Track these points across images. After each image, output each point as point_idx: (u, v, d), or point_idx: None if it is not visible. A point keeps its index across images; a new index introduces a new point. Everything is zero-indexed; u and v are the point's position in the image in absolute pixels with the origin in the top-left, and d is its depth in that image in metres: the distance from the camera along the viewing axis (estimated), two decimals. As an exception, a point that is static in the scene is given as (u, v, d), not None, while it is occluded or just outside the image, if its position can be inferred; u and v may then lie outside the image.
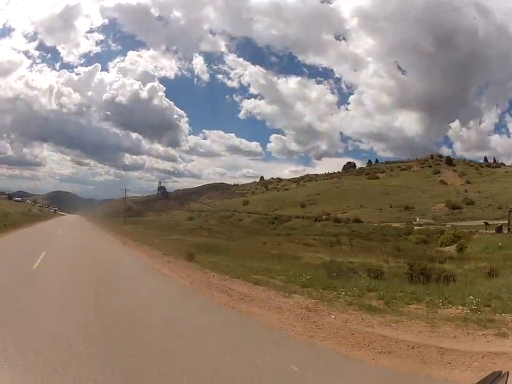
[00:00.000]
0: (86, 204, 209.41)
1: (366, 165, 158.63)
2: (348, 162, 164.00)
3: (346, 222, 79.60)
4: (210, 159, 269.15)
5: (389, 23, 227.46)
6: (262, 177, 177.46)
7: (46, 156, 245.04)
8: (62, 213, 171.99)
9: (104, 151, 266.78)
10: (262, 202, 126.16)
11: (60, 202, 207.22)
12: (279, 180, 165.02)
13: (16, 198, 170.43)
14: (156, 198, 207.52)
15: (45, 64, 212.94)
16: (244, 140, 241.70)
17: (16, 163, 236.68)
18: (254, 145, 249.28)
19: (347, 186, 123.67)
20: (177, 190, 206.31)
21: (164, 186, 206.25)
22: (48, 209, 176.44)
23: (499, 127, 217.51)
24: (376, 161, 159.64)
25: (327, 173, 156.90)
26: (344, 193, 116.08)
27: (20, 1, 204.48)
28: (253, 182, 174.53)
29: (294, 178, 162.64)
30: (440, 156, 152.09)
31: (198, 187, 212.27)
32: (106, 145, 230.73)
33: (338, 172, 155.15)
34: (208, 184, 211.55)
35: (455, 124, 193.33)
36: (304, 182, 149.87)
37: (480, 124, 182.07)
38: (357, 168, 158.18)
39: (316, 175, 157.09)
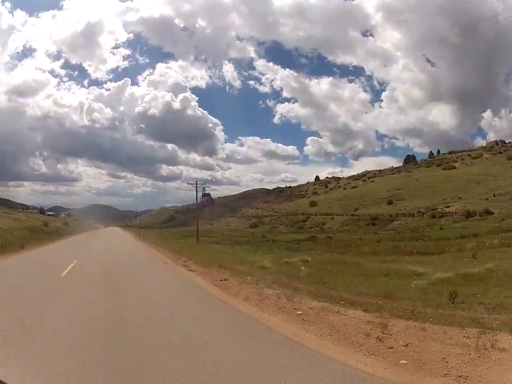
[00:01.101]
0: (124, 216, 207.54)
1: (428, 157, 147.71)
2: (407, 155, 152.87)
3: (481, 215, 67.53)
4: (248, 165, 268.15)
5: (414, 14, 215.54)
6: (317, 177, 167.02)
7: (81, 170, 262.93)
8: (97, 226, 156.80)
9: (140, 163, 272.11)
10: (334, 202, 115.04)
11: (96, 215, 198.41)
12: (337, 178, 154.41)
13: (49, 212, 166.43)
14: (200, 205, 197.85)
15: (72, 82, 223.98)
16: (280, 145, 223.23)
17: (50, 179, 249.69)
18: (291, 149, 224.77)
19: (426, 178, 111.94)
20: (218, 197, 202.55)
21: (209, 193, 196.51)
22: (75, 221, 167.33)
23: None
24: (438, 152, 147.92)
25: (390, 167, 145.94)
26: (429, 185, 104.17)
27: (37, 21, 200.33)
28: (307, 183, 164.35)
29: (353, 176, 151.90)
30: (503, 142, 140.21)
31: (240, 193, 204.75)
32: (142, 158, 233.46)
33: (399, 166, 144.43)
34: (249, 190, 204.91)
35: (487, 114, 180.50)
36: (367, 178, 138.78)
37: (510, 112, 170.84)
38: (418, 161, 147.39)
39: (379, 171, 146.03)
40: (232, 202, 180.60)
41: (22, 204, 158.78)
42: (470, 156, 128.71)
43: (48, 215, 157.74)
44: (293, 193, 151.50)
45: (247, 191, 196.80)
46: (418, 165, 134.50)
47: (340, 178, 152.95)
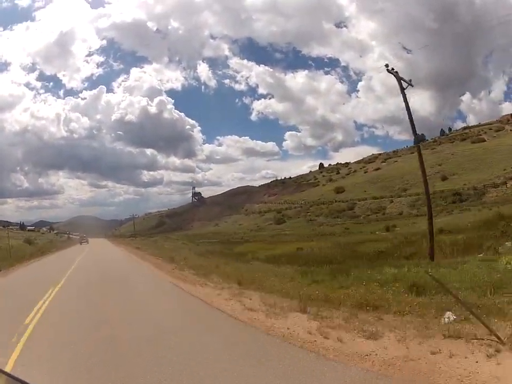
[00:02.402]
0: (110, 226, 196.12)
1: (439, 135, 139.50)
2: (417, 134, 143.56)
3: None
4: (228, 165, 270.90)
5: (388, 3, 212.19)
6: (321, 164, 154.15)
7: (63, 183, 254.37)
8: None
9: (120, 171, 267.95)
10: (367, 186, 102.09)
11: (82, 227, 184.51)
12: (346, 164, 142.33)
13: (29, 228, 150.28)
14: (191, 206, 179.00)
15: (48, 93, 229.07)
16: (259, 142, 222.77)
17: (34, 194, 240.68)
18: (270, 146, 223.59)
19: (462, 152, 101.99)
20: (210, 196, 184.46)
21: (199, 192, 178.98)
22: (59, 235, 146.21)
23: (508, 94, 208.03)
24: (449, 130, 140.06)
25: (406, 147, 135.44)
26: (473, 159, 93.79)
27: (12, 34, 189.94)
28: (310, 172, 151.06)
29: (362, 159, 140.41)
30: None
31: (231, 190, 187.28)
32: (122, 165, 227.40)
33: (413, 146, 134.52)
34: (234, 189, 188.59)
35: (466, 97, 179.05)
36: (384, 160, 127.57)
37: (489, 93, 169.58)
38: (427, 140, 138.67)
39: (393, 151, 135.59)
40: (227, 200, 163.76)
41: (5, 221, 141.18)
42: (491, 129, 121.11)
43: (29, 230, 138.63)
44: (301, 183, 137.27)
45: (241, 187, 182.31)
46: (438, 142, 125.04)
47: (348, 163, 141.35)
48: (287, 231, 75.67)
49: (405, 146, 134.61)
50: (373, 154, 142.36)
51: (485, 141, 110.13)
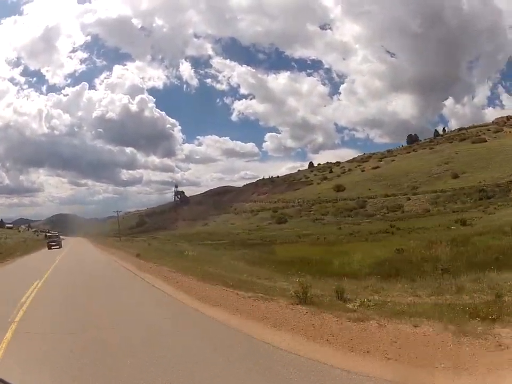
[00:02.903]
0: (89, 224, 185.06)
1: (433, 136, 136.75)
2: (409, 135, 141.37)
3: None
4: (207, 165, 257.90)
5: (374, 5, 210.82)
6: (311, 163, 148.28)
7: (43, 180, 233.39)
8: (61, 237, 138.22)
9: (100, 169, 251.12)
10: (369, 184, 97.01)
11: (61, 225, 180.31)
12: (337, 163, 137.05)
13: (8, 225, 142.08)
14: (173, 205, 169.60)
15: (32, 89, 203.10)
16: (238, 142, 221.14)
17: (14, 191, 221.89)
18: (250, 146, 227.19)
19: (466, 152, 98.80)
20: (192, 196, 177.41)
21: (182, 191, 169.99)
22: (36, 233, 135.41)
23: (492, 100, 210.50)
24: (443, 130, 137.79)
25: (400, 147, 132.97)
26: (480, 158, 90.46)
27: (0, 28, 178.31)
28: (298, 171, 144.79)
29: (354, 159, 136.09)
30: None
31: (215, 189, 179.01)
32: (102, 163, 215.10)
33: (411, 145, 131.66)
34: (216, 188, 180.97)
35: (449, 101, 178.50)
36: (379, 160, 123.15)
37: (473, 98, 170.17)
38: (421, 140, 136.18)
39: (388, 151, 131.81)
40: (210, 199, 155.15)
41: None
42: (489, 130, 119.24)
43: (8, 228, 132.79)
44: (292, 181, 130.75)
45: (223, 186, 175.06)
46: (436, 142, 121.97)
47: (339, 162, 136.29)
48: (307, 231, 68.39)
49: (400, 146, 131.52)
50: (364, 154, 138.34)
51: (486, 141, 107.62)
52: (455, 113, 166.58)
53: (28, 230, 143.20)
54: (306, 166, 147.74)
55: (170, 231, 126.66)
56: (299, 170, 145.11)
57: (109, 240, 77.06)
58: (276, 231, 75.52)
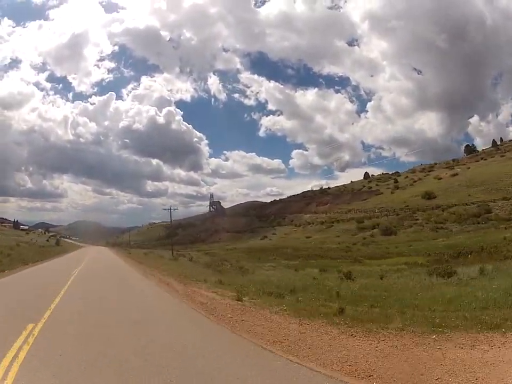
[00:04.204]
0: (111, 233, 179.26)
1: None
2: (467, 145, 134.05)
3: None
4: (233, 180, 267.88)
5: (400, 21, 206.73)
6: (366, 173, 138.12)
7: (67, 187, 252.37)
8: (80, 244, 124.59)
9: (125, 179, 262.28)
10: (463, 189, 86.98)
11: (82, 232, 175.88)
12: (396, 173, 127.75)
13: (23, 227, 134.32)
14: (210, 216, 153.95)
15: (58, 95, 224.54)
16: (265, 159, 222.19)
17: (37, 195, 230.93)
18: (276, 163, 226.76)
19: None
20: (228, 207, 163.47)
21: (219, 201, 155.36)
22: (51, 238, 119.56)
23: None
24: (500, 140, 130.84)
25: (464, 156, 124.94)
26: None
27: (25, 32, 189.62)
28: (351, 182, 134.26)
29: (409, 170, 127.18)
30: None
31: (240, 204, 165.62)
32: (127, 173, 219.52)
33: (477, 153, 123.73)
34: (250, 202, 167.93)
35: (474, 119, 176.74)
36: (449, 168, 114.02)
37: (497, 116, 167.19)
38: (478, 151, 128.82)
39: (453, 160, 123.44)
40: (250, 212, 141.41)
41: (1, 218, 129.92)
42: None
43: (22, 230, 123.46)
44: (355, 192, 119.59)
45: (254, 201, 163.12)
46: (503, 149, 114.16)
47: (398, 172, 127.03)
48: (455, 241, 56.34)
49: (464, 155, 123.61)
50: (421, 164, 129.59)
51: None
52: (480, 131, 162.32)
53: (44, 234, 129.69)
54: (331, 183, 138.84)
55: (214, 244, 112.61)
56: (351, 181, 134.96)
57: (141, 253, 61.60)
58: (403, 246, 63.01)
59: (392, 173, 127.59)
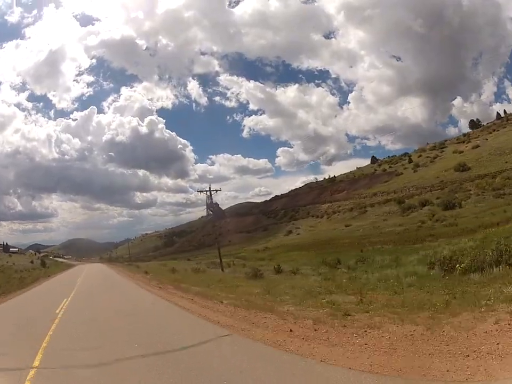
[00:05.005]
0: (104, 248, 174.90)
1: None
2: (471, 120, 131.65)
3: None
4: (220, 184, 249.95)
5: (376, 10, 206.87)
6: (373, 157, 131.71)
7: (56, 206, 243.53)
8: (73, 263, 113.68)
9: (113, 193, 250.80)
10: (497, 158, 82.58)
11: (76, 250, 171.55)
12: (405, 154, 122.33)
13: (12, 249, 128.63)
14: (208, 220, 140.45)
15: (39, 114, 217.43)
16: (251, 159, 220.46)
17: (27, 217, 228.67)
18: (263, 163, 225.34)
19: None
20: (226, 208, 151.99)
21: (216, 203, 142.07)
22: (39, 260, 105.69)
23: (499, 95, 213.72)
24: (504, 112, 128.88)
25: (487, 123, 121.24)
26: None
27: (2, 52, 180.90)
28: (357, 169, 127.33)
29: (424, 147, 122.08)
30: None
31: (240, 204, 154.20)
32: (115, 187, 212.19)
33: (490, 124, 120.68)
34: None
35: (457, 101, 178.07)
36: (468, 142, 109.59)
37: (480, 96, 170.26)
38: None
39: (465, 134, 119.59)
40: (253, 210, 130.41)
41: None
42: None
43: (12, 252, 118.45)
44: (372, 175, 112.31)
45: (246, 202, 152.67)
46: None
47: (408, 153, 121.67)
48: None
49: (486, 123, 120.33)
50: (428, 144, 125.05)
51: None
52: (464, 112, 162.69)
53: (35, 255, 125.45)
54: (319, 178, 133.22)
55: (227, 248, 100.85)
56: (357, 168, 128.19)
57: (187, 275, 49.49)
58: (485, 215, 55.31)
59: (402, 154, 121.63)
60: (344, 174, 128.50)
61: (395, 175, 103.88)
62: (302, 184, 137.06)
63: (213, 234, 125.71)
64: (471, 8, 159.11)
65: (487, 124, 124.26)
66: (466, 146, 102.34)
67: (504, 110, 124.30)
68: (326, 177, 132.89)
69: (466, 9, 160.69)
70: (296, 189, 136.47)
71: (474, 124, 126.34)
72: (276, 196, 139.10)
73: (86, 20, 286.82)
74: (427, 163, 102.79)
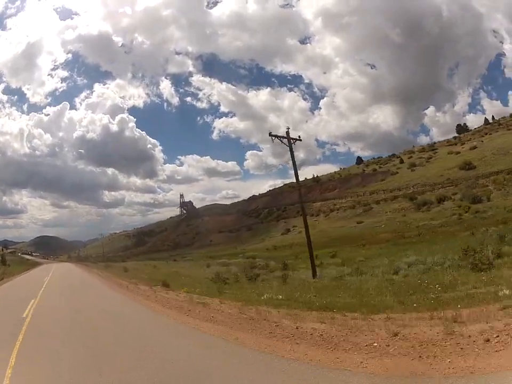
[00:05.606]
0: (73, 247, 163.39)
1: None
2: (458, 124, 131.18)
3: None
4: (188, 185, 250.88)
5: (353, 17, 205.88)
6: (359, 158, 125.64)
7: (26, 202, 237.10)
8: (40, 260, 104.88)
9: (82, 191, 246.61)
10: (500, 158, 79.34)
11: (46, 247, 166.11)
12: (393, 155, 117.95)
13: None
14: (182, 219, 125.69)
15: (13, 107, 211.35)
16: (220, 161, 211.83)
17: None
18: (231, 165, 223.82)
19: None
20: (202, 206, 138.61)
21: (190, 201, 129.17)
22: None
23: (473, 106, 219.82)
24: (492, 118, 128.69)
25: (475, 128, 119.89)
26: None
27: None
28: (342, 169, 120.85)
29: (412, 149, 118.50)
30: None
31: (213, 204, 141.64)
32: (84, 185, 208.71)
33: (480, 128, 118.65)
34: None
35: (430, 110, 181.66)
36: (464, 143, 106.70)
37: (453, 106, 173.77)
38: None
39: (455, 137, 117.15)
40: (230, 209, 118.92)
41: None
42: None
43: None
44: (376, 170, 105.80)
45: (214, 204, 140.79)
46: (506, 125, 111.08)
47: (395, 154, 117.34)
48: None
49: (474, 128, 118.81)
50: (414, 146, 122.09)
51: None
52: (436, 121, 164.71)
53: (2, 251, 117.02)
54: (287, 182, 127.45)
55: (210, 248, 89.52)
56: (342, 168, 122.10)
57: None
58: None
59: (390, 155, 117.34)
60: (328, 174, 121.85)
61: (390, 174, 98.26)
62: (270, 188, 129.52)
63: (189, 233, 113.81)
64: (452, 18, 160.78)
65: (476, 128, 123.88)
66: (463, 147, 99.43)
67: (492, 116, 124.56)
68: (303, 179, 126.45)
69: (446, 19, 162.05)
70: (275, 188, 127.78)
71: (461, 129, 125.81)
72: (254, 195, 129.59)
73: (65, 14, 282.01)
74: (423, 163, 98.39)
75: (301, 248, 52.40)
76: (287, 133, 20.18)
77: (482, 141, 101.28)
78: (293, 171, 20.36)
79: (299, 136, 20.75)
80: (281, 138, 20.06)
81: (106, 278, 29.47)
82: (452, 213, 58.97)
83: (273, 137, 19.91)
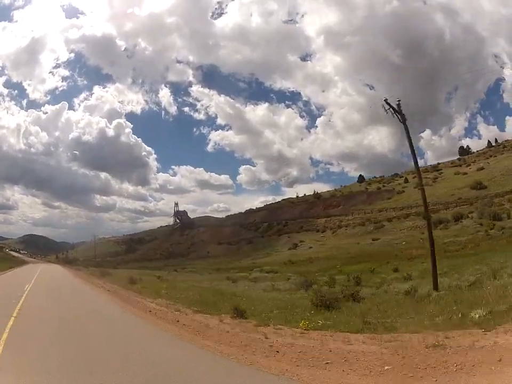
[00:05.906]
0: (60, 248, 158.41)
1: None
2: (461, 146, 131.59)
3: None
4: (180, 195, 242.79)
5: (356, 37, 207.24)
6: (361, 176, 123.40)
7: (18, 199, 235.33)
8: (27, 259, 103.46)
9: (74, 193, 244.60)
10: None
11: (34, 246, 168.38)
12: (396, 175, 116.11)
13: None
14: (176, 228, 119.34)
15: (13, 101, 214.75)
16: (213, 174, 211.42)
17: None
18: (224, 179, 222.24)
19: None
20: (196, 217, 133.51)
21: (185, 211, 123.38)
22: None
23: (470, 130, 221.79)
24: (495, 141, 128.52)
25: (477, 151, 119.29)
26: None
27: None
28: (344, 186, 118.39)
29: (405, 172, 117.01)
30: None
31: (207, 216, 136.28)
32: (76, 187, 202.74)
33: (483, 151, 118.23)
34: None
35: (426, 133, 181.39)
36: (469, 165, 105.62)
37: (450, 130, 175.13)
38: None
39: (454, 161, 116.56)
40: (228, 221, 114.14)
41: None
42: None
43: None
44: (380, 188, 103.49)
45: (205, 216, 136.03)
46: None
47: (398, 174, 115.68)
48: None
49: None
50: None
51: None
52: (432, 145, 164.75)
53: None
54: (279, 199, 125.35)
55: (208, 259, 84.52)
56: (343, 185, 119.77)
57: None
58: None
59: (393, 175, 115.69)
60: (329, 191, 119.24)
61: (396, 193, 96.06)
62: (261, 204, 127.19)
63: (184, 243, 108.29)
64: (453, 41, 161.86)
65: (479, 150, 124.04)
66: (470, 168, 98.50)
67: (496, 139, 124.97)
68: (295, 196, 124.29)
69: (448, 42, 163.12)
70: (273, 203, 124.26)
71: (464, 151, 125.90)
72: (251, 209, 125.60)
73: (71, 12, 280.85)
74: (429, 182, 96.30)
75: (328, 263, 48.41)
76: (398, 105, 16.51)
77: (488, 163, 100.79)
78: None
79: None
80: (395, 113, 16.40)
81: (117, 294, 20.39)
82: (476, 230, 56.23)
83: (387, 108, 16.11)
